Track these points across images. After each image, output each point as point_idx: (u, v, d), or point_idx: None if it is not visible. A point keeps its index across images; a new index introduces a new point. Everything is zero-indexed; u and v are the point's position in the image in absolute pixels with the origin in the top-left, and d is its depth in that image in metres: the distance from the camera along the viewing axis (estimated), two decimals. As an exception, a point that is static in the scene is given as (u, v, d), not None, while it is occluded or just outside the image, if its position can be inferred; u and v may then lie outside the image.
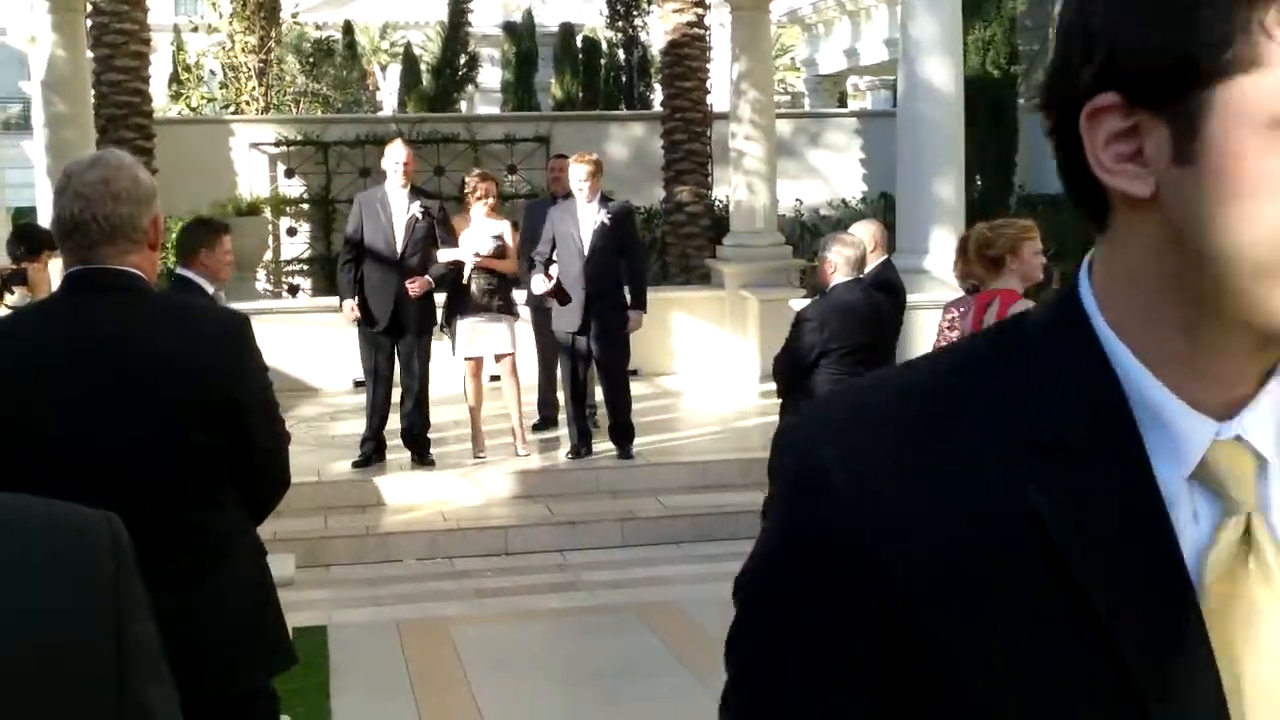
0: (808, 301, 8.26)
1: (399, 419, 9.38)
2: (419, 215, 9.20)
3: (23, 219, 13.72)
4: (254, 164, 16.18)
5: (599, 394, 9.73)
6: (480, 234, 9.29)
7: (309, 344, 11.31)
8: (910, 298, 9.26)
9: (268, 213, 15.79)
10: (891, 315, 7.52)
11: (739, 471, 9.56)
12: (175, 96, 21.61)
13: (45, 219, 12.54)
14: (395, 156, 9.27)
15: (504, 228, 9.49)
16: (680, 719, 5.88)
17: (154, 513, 2.84)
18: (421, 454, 9.43)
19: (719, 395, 12.01)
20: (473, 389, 9.55)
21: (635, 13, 23.01)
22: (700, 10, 15.37)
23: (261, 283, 15.73)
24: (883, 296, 7.33)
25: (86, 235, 2.89)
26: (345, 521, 8.63)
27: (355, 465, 9.30)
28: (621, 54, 23.78)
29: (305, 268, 16.26)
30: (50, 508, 1.57)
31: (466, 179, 10.00)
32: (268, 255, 15.89)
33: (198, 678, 2.87)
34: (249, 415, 2.99)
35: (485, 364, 9.56)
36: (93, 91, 13.40)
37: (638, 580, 8.04)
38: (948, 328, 6.96)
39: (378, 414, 9.36)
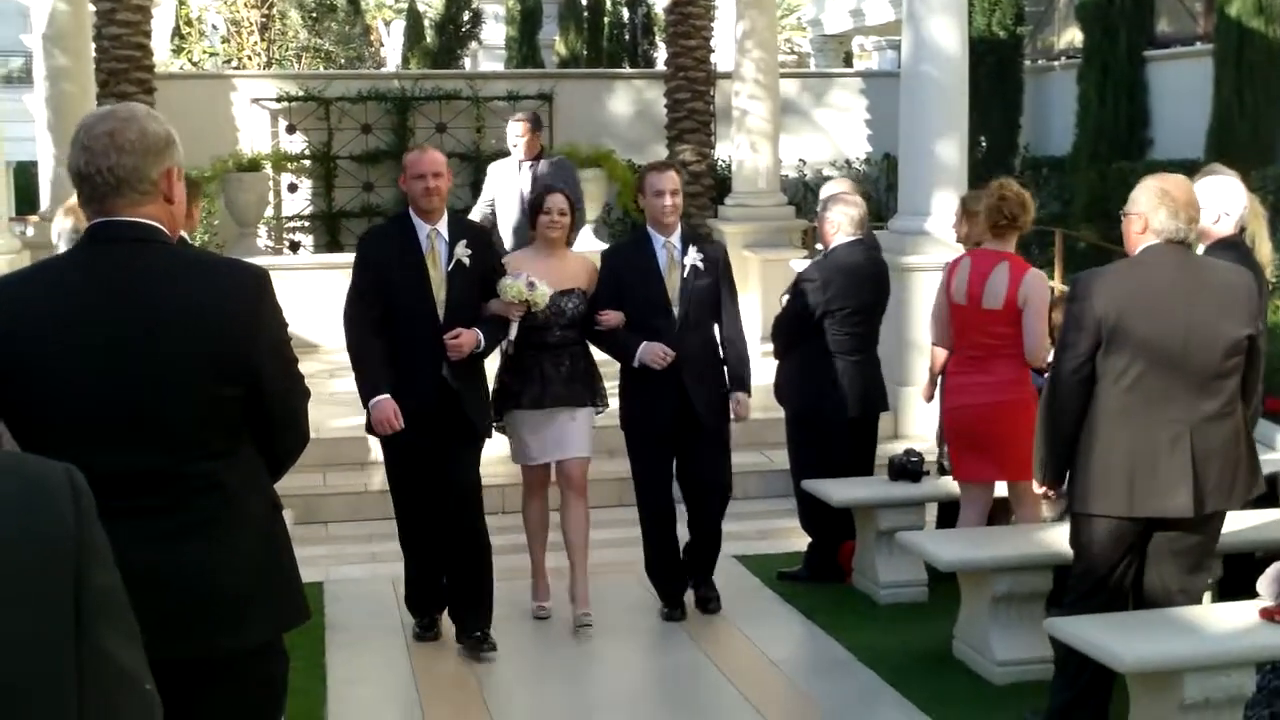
0: (809, 262, 8.22)
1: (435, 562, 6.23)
2: (465, 260, 5.89)
3: (24, 174, 13.66)
4: (255, 120, 16.11)
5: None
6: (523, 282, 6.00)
7: (309, 300, 11.23)
8: (911, 259, 9.25)
9: (269, 169, 15.73)
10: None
11: (738, 431, 9.51)
12: (177, 51, 21.49)
13: (45, 173, 12.48)
14: (418, 175, 5.87)
15: (580, 278, 6.40)
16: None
17: (167, 464, 2.88)
18: (482, 624, 6.02)
19: (720, 355, 11.96)
20: (535, 510, 6.57)
21: (640, -30, 22.89)
22: (705, -32, 15.24)
23: (262, 239, 15.68)
24: (884, 257, 7.31)
25: (94, 188, 2.90)
26: (343, 479, 8.63)
27: (417, 639, 6.25)
28: (626, 12, 23.65)
29: (306, 224, 16.23)
30: (9, 458, 1.57)
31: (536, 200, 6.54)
32: (269, 211, 15.84)
33: (208, 629, 2.89)
34: (264, 369, 2.98)
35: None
36: (94, 45, 13.31)
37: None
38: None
39: (417, 562, 6.22)
